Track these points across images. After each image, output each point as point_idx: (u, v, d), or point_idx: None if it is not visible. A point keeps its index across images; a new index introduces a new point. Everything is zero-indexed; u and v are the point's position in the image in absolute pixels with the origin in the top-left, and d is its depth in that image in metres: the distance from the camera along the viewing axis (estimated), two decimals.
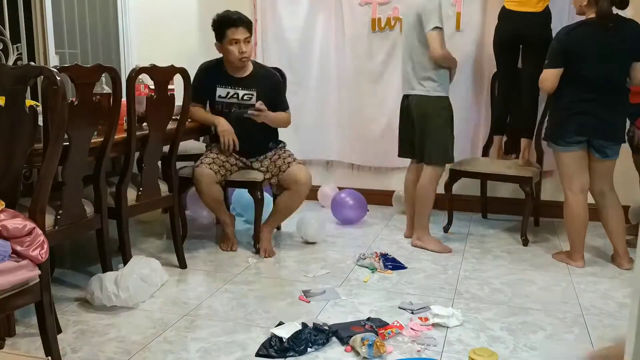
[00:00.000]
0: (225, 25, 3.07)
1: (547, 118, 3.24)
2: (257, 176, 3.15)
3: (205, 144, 3.72)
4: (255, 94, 3.17)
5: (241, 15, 3.11)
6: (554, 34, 3.23)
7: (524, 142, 3.47)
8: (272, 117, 3.15)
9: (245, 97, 3.18)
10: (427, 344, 2.14)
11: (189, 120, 3.16)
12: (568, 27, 2.97)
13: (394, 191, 4.22)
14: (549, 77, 2.93)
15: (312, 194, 3.91)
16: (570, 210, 3.02)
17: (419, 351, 2.10)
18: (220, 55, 3.22)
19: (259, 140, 3.21)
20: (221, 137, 3.11)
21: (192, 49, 4.26)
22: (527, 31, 3.38)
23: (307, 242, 3.41)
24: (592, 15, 2.86)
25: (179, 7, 4.28)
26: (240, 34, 3.05)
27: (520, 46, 3.51)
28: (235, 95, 3.18)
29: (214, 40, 3.20)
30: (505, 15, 3.47)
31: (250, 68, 3.21)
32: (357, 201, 3.85)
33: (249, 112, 3.06)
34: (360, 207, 3.85)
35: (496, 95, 3.76)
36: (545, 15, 3.41)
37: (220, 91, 3.18)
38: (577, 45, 2.86)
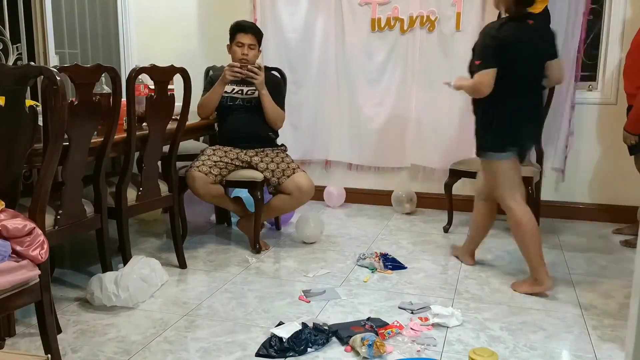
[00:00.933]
0: (237, 29, 3.29)
1: (478, 128, 2.82)
2: (257, 176, 3.16)
3: (205, 144, 3.73)
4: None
5: (253, 26, 3.36)
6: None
7: None
8: (268, 96, 3.24)
9: (249, 92, 3.31)
10: (427, 344, 2.14)
11: (200, 115, 3.35)
12: (495, 23, 2.73)
13: (392, 191, 4.22)
14: (487, 80, 2.60)
15: (318, 193, 3.93)
16: (523, 224, 2.67)
17: (419, 351, 2.10)
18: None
19: (259, 127, 3.29)
20: (225, 72, 3.18)
21: (192, 49, 4.26)
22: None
23: (305, 243, 3.42)
24: (509, 15, 2.67)
25: (179, 7, 4.28)
26: (246, 39, 3.25)
27: None
28: (239, 92, 3.32)
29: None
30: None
31: None
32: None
33: (249, 66, 3.16)
34: None
35: None
36: (543, 17, 3.36)
37: (226, 88, 3.30)
38: (513, 42, 2.60)
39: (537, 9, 3.34)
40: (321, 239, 3.47)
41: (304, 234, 3.41)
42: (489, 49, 2.63)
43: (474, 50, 2.76)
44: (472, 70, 2.71)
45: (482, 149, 2.77)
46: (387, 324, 2.28)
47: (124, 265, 2.60)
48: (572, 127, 3.81)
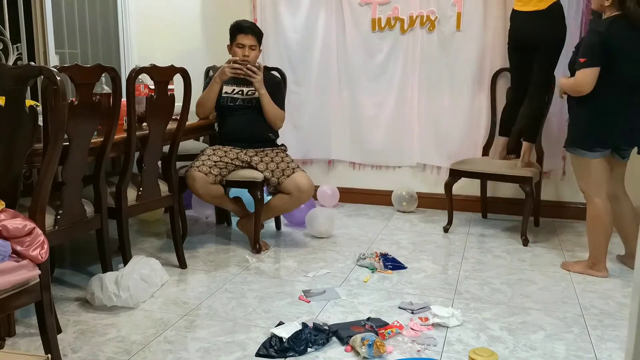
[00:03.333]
0: (238, 30, 3.28)
1: (572, 123, 2.89)
2: (257, 176, 3.16)
3: (205, 144, 3.73)
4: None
5: (253, 26, 3.32)
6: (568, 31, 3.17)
7: (525, 145, 3.45)
8: (267, 96, 3.23)
9: (249, 93, 3.31)
10: (427, 344, 2.14)
11: (198, 115, 3.36)
12: (604, 20, 2.70)
13: (392, 191, 4.23)
14: (588, 79, 2.64)
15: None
16: (601, 219, 2.80)
17: (419, 351, 2.10)
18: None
19: (259, 128, 3.29)
20: (225, 69, 3.18)
21: (192, 49, 4.26)
22: (530, 31, 3.32)
23: (316, 237, 3.51)
24: (617, 13, 2.66)
25: (179, 7, 4.28)
26: (246, 40, 3.25)
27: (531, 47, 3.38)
28: (239, 92, 3.32)
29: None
30: (512, 16, 3.45)
31: None
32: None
33: (248, 65, 3.16)
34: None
35: (507, 98, 3.69)
36: (550, 13, 3.27)
37: (227, 88, 3.31)
38: (619, 42, 2.59)
39: (540, 6, 3.29)
40: (330, 234, 3.54)
41: (314, 230, 3.50)
42: (595, 47, 2.63)
43: (577, 47, 2.78)
44: (575, 67, 2.73)
45: (570, 145, 2.85)
46: (387, 324, 2.28)
47: (124, 265, 2.60)
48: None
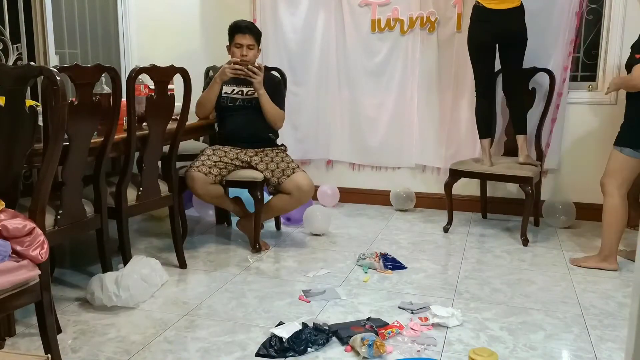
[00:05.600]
0: (235, 30, 3.28)
1: (625, 121, 2.94)
2: (257, 176, 3.16)
3: (205, 144, 3.73)
4: None
5: (251, 26, 3.33)
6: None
7: (519, 138, 3.48)
8: (266, 96, 3.23)
9: (249, 93, 3.31)
10: (427, 344, 2.14)
11: (198, 116, 3.36)
12: None
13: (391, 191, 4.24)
14: None
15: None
16: (619, 212, 2.89)
17: (419, 351, 2.10)
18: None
19: (259, 128, 3.29)
20: (225, 70, 3.18)
21: (192, 49, 4.26)
22: (509, 28, 3.37)
23: (313, 234, 3.53)
24: None
25: (179, 7, 4.28)
26: (244, 40, 3.24)
27: (497, 45, 3.46)
28: (239, 92, 3.32)
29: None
30: (483, 14, 3.41)
31: None
32: None
33: (250, 66, 3.16)
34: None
35: (477, 99, 3.63)
36: (522, 10, 3.38)
37: (227, 88, 3.31)
38: None
39: (516, 2, 3.35)
40: (327, 231, 3.56)
41: (311, 227, 3.53)
42: None
43: (633, 47, 2.80)
44: (632, 63, 2.77)
45: (621, 143, 2.88)
46: (387, 324, 2.28)
47: (124, 265, 2.60)
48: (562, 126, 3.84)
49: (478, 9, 3.45)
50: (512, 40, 3.42)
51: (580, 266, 3.01)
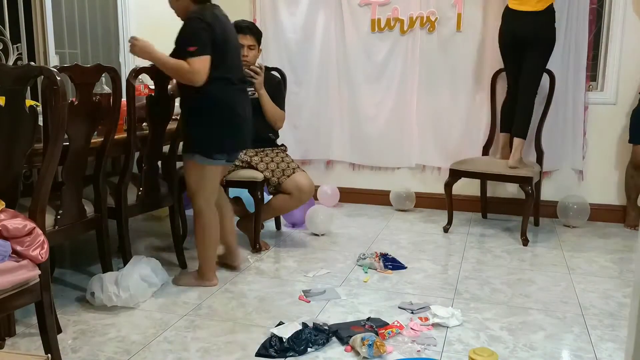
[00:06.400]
0: (236, 31, 3.19)
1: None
2: (257, 176, 3.16)
3: None
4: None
5: (251, 26, 3.30)
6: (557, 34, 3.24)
7: (515, 141, 3.49)
8: (266, 96, 3.24)
9: (249, 93, 3.26)
10: (427, 344, 2.14)
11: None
12: None
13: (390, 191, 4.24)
14: None
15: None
16: (213, 226, 2.69)
17: (419, 351, 2.10)
18: None
19: (259, 128, 3.27)
20: None
21: None
22: (526, 30, 3.37)
23: (314, 234, 3.55)
24: None
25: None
26: (245, 40, 3.21)
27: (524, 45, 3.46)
28: None
29: None
30: (507, 14, 3.47)
31: None
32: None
33: (251, 66, 3.17)
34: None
35: (506, 95, 3.70)
36: (547, 15, 3.37)
37: None
38: None
39: (538, 7, 3.35)
40: (329, 231, 3.57)
41: (313, 227, 3.54)
42: None
43: None
44: None
45: (186, 151, 2.63)
46: (387, 324, 2.28)
47: (124, 265, 2.60)
48: (585, 127, 3.82)
49: (505, 8, 3.49)
50: (526, 42, 3.40)
51: (179, 285, 2.73)
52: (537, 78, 3.49)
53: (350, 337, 2.12)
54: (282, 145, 3.42)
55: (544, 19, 3.37)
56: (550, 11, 3.38)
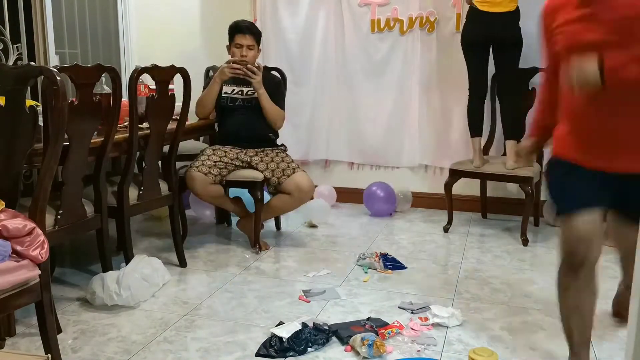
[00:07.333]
0: (235, 30, 3.28)
1: None
2: (257, 176, 3.16)
3: (205, 144, 3.73)
4: None
5: (251, 26, 3.32)
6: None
7: (508, 144, 3.49)
8: (266, 96, 3.23)
9: (249, 93, 3.32)
10: (427, 344, 2.14)
11: (198, 116, 3.36)
12: None
13: None
14: None
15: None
16: None
17: (419, 351, 2.10)
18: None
19: (259, 128, 3.30)
20: (224, 69, 3.19)
21: (192, 49, 4.26)
22: (501, 32, 3.39)
23: (312, 226, 3.63)
24: None
25: (180, 7, 4.29)
26: (244, 40, 3.24)
27: (491, 47, 3.50)
28: (239, 92, 3.32)
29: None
30: (477, 15, 3.43)
31: None
32: (387, 194, 4.02)
33: (248, 65, 3.16)
34: (389, 200, 4.01)
35: (469, 97, 3.64)
36: (517, 15, 3.40)
37: (226, 88, 3.32)
38: None
39: (510, 7, 3.37)
40: (323, 222, 3.62)
41: (308, 217, 3.63)
42: None
43: None
44: None
45: None
46: (387, 323, 2.28)
47: (126, 264, 2.60)
48: None
49: (472, 10, 3.48)
50: (502, 44, 3.43)
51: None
52: (518, 78, 3.55)
53: (350, 337, 2.12)
54: (282, 145, 3.42)
55: (517, 18, 3.40)
56: (518, 11, 3.40)
